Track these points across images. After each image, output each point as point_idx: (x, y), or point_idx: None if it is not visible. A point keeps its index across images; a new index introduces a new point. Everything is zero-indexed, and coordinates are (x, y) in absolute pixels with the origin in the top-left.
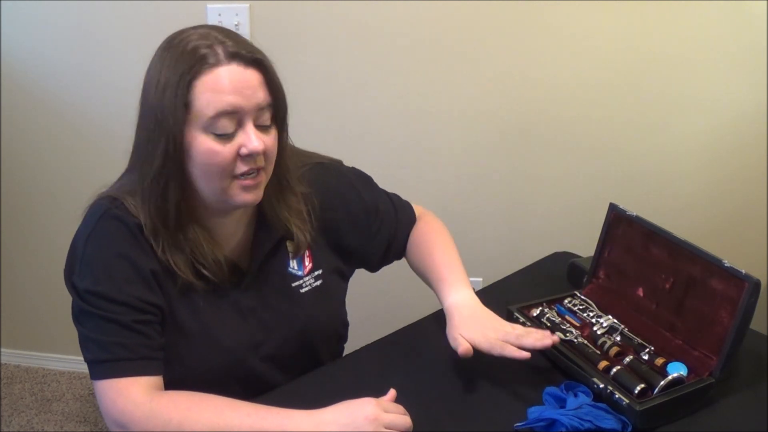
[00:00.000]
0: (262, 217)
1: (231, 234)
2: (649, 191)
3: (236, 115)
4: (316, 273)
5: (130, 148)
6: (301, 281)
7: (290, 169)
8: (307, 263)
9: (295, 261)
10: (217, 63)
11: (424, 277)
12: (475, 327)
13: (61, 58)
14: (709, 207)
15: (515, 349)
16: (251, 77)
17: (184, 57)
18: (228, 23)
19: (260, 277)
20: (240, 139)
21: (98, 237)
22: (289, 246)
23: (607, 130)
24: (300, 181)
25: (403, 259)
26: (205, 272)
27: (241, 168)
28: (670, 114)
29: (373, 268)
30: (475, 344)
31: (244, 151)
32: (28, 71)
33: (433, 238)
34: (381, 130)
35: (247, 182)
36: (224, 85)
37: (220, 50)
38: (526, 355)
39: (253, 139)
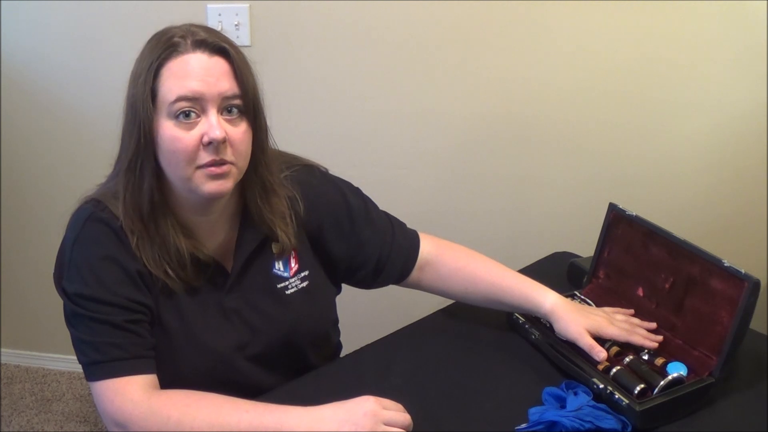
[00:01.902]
0: (246, 217)
1: (214, 233)
2: (649, 191)
3: (198, 102)
4: (303, 274)
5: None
6: (287, 282)
7: (273, 171)
8: (293, 264)
9: (281, 262)
10: (183, 51)
11: (493, 297)
12: (595, 317)
13: (61, 59)
14: (709, 207)
15: (644, 337)
16: (216, 65)
17: (157, 47)
18: (228, 23)
19: (244, 279)
20: (203, 127)
21: (85, 240)
22: (274, 248)
23: (606, 131)
24: (283, 184)
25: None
26: (169, 270)
27: (204, 157)
28: (669, 114)
29: (365, 284)
30: (603, 333)
31: (205, 139)
32: (28, 71)
33: (479, 261)
34: (380, 130)
35: (212, 170)
36: (186, 71)
37: (188, 40)
38: (654, 345)
39: (214, 127)
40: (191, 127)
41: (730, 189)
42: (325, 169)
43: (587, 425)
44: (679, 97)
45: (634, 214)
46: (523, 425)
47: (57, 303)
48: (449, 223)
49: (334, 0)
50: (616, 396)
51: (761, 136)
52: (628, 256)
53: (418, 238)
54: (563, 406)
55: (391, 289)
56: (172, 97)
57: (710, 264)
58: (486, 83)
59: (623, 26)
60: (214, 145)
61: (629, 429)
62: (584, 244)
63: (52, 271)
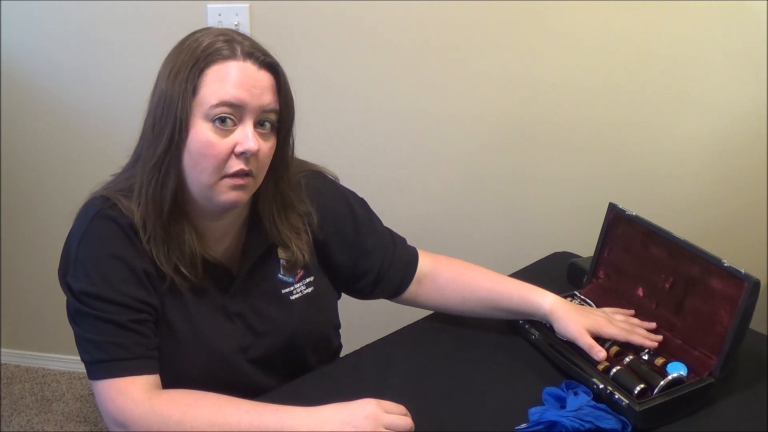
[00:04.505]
0: (254, 222)
1: (221, 237)
2: (649, 191)
3: (238, 111)
4: (308, 280)
5: (132, 146)
6: (292, 288)
7: (294, 186)
8: (298, 271)
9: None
10: (231, 57)
11: (491, 303)
12: (594, 316)
13: (61, 58)
14: (709, 207)
15: (643, 336)
16: (262, 78)
17: (201, 47)
18: (228, 23)
19: (249, 283)
20: (237, 136)
21: (92, 237)
22: (280, 253)
23: (606, 131)
24: (302, 200)
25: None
26: (182, 268)
27: (233, 166)
28: (669, 114)
29: (362, 294)
30: (603, 332)
31: (239, 148)
32: (28, 71)
33: (475, 270)
34: (381, 130)
35: (237, 181)
36: (233, 77)
37: (237, 47)
38: (653, 344)
39: (249, 138)
40: (226, 134)
41: (730, 189)
42: (334, 176)
43: (587, 425)
44: (679, 97)
45: (634, 214)
46: (523, 425)
47: (57, 303)
48: (449, 223)
49: (334, 0)
50: (616, 396)
51: (761, 136)
52: (628, 256)
53: (417, 253)
54: (563, 406)
55: None
56: (214, 100)
57: (710, 264)
58: (485, 83)
59: (623, 26)
60: (246, 156)
61: (629, 429)
62: (584, 244)
63: (53, 270)
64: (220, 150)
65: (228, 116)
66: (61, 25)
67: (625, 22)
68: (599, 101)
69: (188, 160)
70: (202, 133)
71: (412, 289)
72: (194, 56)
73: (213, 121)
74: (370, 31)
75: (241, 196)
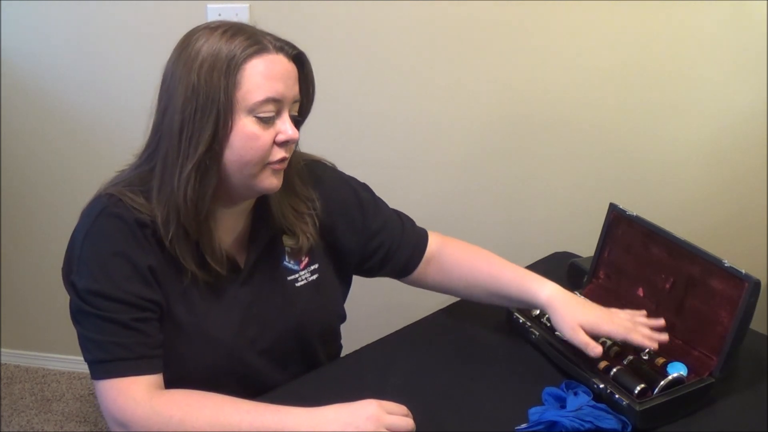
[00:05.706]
0: (259, 212)
1: (231, 227)
2: (649, 191)
3: (278, 104)
4: (313, 267)
5: (134, 146)
6: (297, 275)
7: (299, 172)
8: (303, 258)
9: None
10: (267, 50)
11: (493, 289)
12: (593, 312)
13: (61, 59)
14: (709, 207)
15: (643, 336)
16: (292, 70)
17: (233, 40)
18: None
19: (256, 272)
20: (278, 126)
21: (96, 235)
22: (286, 240)
23: (607, 131)
24: (306, 187)
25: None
26: (212, 262)
27: (276, 155)
28: (670, 114)
29: (369, 273)
30: (600, 330)
31: (281, 137)
32: (28, 72)
33: (481, 254)
34: (381, 130)
35: (278, 166)
36: (273, 71)
37: (264, 40)
38: (654, 345)
39: (289, 127)
40: (269, 126)
41: (730, 189)
42: (333, 164)
43: (587, 425)
44: (679, 98)
45: (635, 214)
46: (523, 425)
47: (57, 303)
48: (449, 223)
49: (334, 0)
50: (616, 396)
51: (761, 136)
52: (629, 257)
53: (426, 233)
54: (563, 406)
55: (392, 288)
56: (260, 96)
57: (710, 264)
58: (485, 84)
59: (623, 27)
60: (288, 144)
61: (629, 429)
62: (584, 244)
63: (53, 271)
64: (265, 141)
65: (274, 112)
66: (62, 26)
67: (625, 22)
68: (599, 102)
69: (230, 154)
70: (247, 127)
71: (421, 269)
72: (228, 51)
73: (258, 115)
74: (369, 32)
75: (281, 181)
